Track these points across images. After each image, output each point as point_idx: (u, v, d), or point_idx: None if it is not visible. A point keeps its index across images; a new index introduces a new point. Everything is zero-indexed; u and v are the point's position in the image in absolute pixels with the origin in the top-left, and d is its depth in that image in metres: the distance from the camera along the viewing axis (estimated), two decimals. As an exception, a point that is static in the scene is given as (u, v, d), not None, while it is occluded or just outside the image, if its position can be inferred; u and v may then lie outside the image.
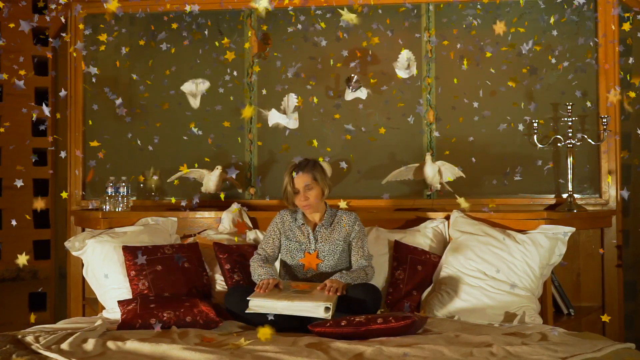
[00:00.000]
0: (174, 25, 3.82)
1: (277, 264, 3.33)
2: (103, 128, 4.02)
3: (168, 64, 3.97)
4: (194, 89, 3.81)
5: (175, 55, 3.93)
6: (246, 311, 2.90)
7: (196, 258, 3.38)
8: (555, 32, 3.79)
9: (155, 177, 3.41)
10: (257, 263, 3.17)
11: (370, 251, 3.27)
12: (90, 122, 4.07)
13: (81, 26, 3.99)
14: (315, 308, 2.84)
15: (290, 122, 3.68)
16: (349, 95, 3.85)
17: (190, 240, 3.62)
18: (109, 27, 3.99)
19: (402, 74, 3.81)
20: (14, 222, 3.18)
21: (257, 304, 2.89)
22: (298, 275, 3.20)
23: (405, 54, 3.78)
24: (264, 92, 3.93)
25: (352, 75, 3.81)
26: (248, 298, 2.91)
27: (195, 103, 3.96)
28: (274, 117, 3.72)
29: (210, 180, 3.84)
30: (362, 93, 3.77)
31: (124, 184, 3.81)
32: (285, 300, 2.86)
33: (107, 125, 4.04)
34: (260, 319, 2.88)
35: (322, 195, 3.23)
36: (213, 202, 3.85)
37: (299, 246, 3.21)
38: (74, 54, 4.02)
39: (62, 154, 3.43)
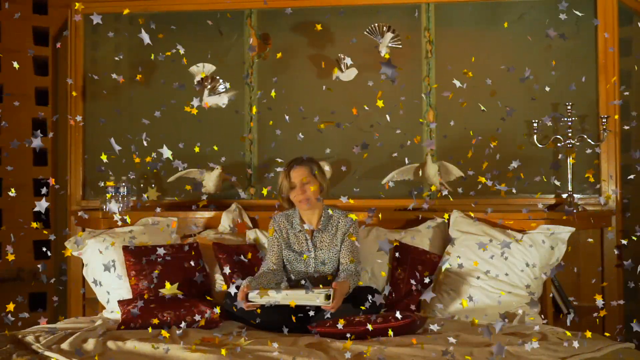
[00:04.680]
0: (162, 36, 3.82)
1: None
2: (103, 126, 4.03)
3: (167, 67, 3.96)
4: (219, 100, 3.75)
5: (176, 56, 3.92)
6: (247, 301, 2.86)
7: (196, 258, 3.38)
8: (554, 32, 3.78)
9: (156, 193, 3.38)
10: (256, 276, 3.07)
11: (369, 251, 3.27)
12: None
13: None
14: (315, 295, 2.78)
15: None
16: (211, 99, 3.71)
17: (190, 240, 3.63)
18: (110, 26, 3.99)
19: (384, 52, 3.70)
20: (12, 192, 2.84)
21: (257, 295, 2.87)
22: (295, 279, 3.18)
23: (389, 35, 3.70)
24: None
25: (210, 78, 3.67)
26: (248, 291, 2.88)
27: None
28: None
29: (209, 180, 3.83)
30: (222, 99, 3.62)
31: (124, 184, 3.81)
32: (285, 290, 2.85)
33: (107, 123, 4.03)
34: (260, 320, 2.88)
35: (320, 192, 3.17)
36: (213, 202, 3.84)
37: (298, 256, 3.19)
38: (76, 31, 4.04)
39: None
